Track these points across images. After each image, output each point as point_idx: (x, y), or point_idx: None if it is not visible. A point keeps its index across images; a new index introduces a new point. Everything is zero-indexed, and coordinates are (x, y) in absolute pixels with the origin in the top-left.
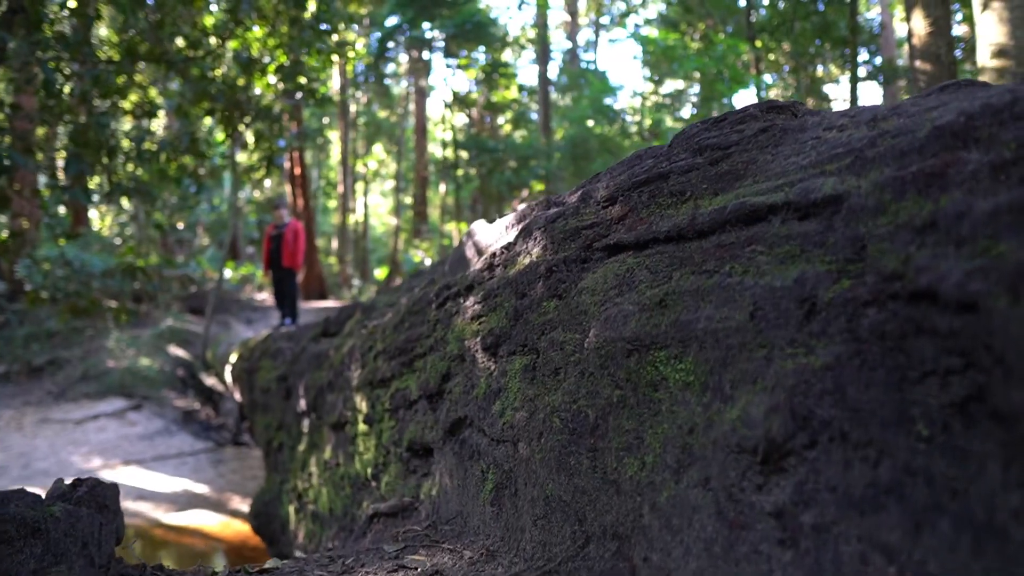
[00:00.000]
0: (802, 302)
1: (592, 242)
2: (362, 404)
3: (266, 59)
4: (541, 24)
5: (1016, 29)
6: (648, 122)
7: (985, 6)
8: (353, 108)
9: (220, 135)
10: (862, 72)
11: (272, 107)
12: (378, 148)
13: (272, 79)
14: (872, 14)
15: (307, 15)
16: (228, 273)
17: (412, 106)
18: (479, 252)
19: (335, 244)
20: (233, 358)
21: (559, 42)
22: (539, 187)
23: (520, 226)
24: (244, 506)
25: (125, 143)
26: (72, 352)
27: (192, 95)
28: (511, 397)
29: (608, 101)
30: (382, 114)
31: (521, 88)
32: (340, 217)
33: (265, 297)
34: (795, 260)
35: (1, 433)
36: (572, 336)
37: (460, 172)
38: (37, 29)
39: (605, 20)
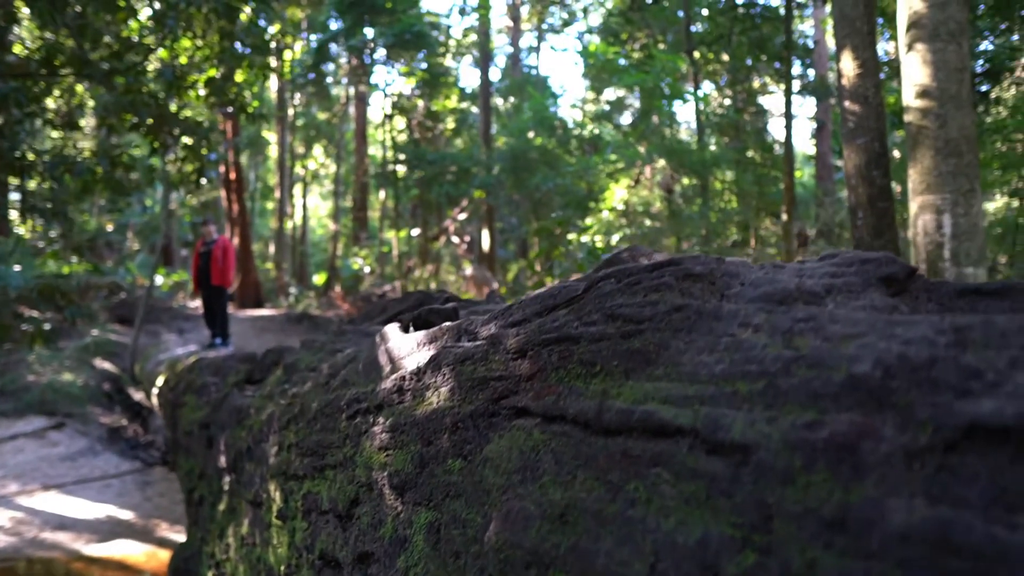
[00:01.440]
0: (704, 569)
1: (500, 397)
2: (276, 494)
3: (195, 72)
4: (482, 33)
5: (938, 71)
6: (588, 133)
7: (909, 48)
8: (291, 111)
9: (145, 148)
10: (796, 85)
11: (201, 121)
12: (318, 150)
13: (202, 92)
14: (807, 27)
15: (239, 26)
16: (159, 280)
17: (352, 109)
18: (391, 361)
19: (272, 249)
20: (160, 381)
21: (502, 46)
22: (479, 195)
23: (431, 350)
24: (172, 534)
25: (31, 156)
26: None
27: (116, 107)
28: (415, 557)
29: (550, 110)
30: (321, 116)
31: (463, 92)
32: (277, 221)
33: (199, 304)
34: (701, 508)
35: None
36: (474, 517)
37: (400, 180)
38: None
39: (548, 24)
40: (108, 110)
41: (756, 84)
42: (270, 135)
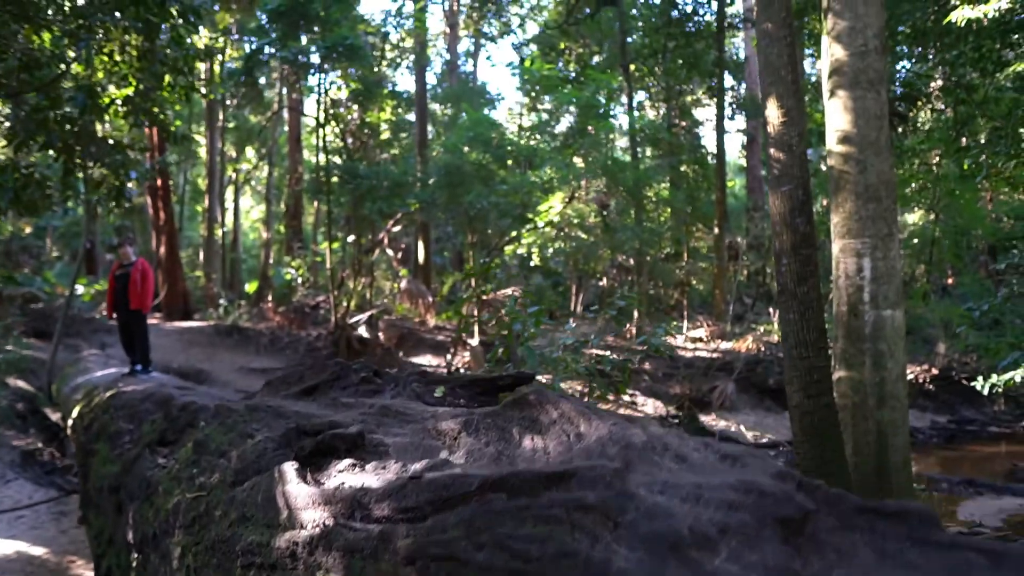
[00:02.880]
0: None
1: None
2: None
3: (112, 87)
4: (418, 43)
5: (858, 118)
6: (523, 145)
7: (831, 94)
8: (221, 115)
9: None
10: (728, 99)
11: (121, 140)
12: (250, 152)
13: (120, 109)
14: (739, 42)
15: (160, 43)
16: (80, 289)
17: (286, 113)
18: (288, 508)
19: (202, 256)
20: (75, 412)
21: (439, 49)
22: (414, 206)
23: (326, 514)
24: (87, 572)
25: None
26: None
27: (25, 126)
28: None
29: (486, 124)
30: (254, 119)
31: (398, 98)
32: (207, 228)
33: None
34: None
35: None
36: None
37: (332, 193)
38: None
39: (485, 32)
40: (16, 129)
41: (689, 98)
42: (199, 138)
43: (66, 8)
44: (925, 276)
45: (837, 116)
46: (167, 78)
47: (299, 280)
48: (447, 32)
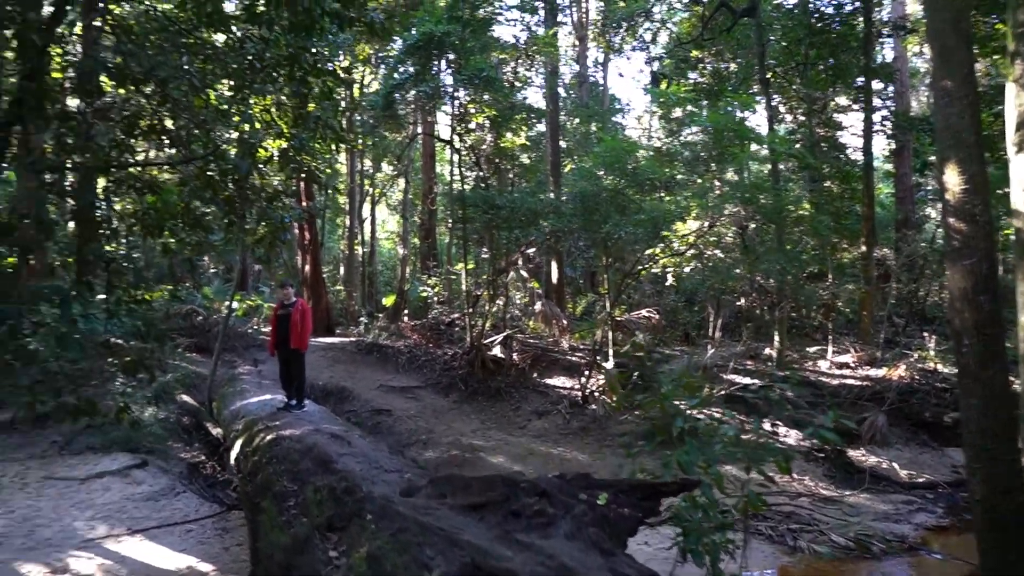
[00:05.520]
0: None
1: None
2: None
3: (268, 140)
4: (549, 67)
5: None
6: (659, 174)
7: (1019, 148)
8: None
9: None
10: (876, 118)
11: (277, 190)
12: (386, 166)
13: (275, 160)
14: (887, 51)
15: (311, 107)
16: (235, 305)
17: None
18: None
19: (342, 270)
20: (237, 446)
21: (566, 58)
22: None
23: None
24: None
25: (115, 221)
26: (76, 396)
27: (196, 180)
28: None
29: (620, 148)
30: (389, 136)
31: (531, 116)
32: (347, 245)
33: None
34: None
35: (6, 492)
36: None
37: (466, 222)
38: (41, 119)
39: (614, 43)
40: (186, 181)
41: (832, 104)
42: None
43: (230, 70)
44: None
45: None
46: (318, 132)
47: (434, 298)
48: (576, 44)
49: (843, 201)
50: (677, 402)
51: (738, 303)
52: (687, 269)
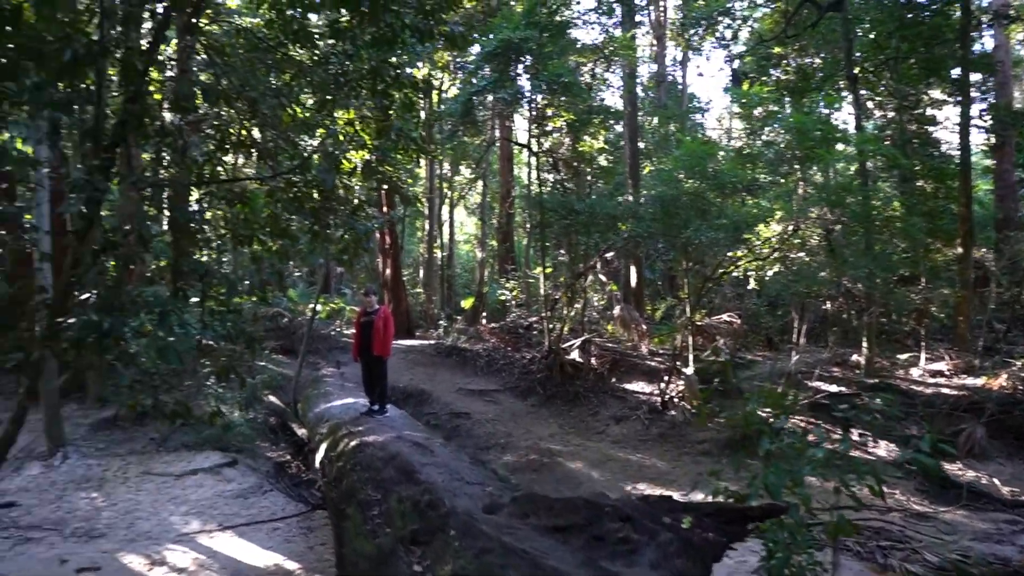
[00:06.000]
0: None
1: None
2: None
3: (351, 152)
4: (627, 70)
5: None
6: (741, 178)
7: None
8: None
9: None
10: (974, 111)
11: (360, 201)
12: (463, 168)
13: (358, 166)
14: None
15: (393, 113)
16: (318, 308)
17: (497, 132)
18: None
19: (421, 273)
20: (322, 450)
21: (644, 57)
22: (623, 226)
23: None
24: None
25: (207, 229)
26: (172, 396)
27: (283, 191)
28: None
29: (701, 152)
30: (469, 140)
31: (609, 118)
32: (427, 250)
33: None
34: None
35: (109, 486)
36: None
37: (545, 228)
38: (143, 136)
39: (692, 41)
40: (273, 193)
41: (924, 97)
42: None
43: (315, 85)
44: None
45: None
46: (399, 143)
47: (512, 301)
48: (654, 44)
49: (937, 200)
50: (763, 413)
51: (824, 307)
52: (770, 273)
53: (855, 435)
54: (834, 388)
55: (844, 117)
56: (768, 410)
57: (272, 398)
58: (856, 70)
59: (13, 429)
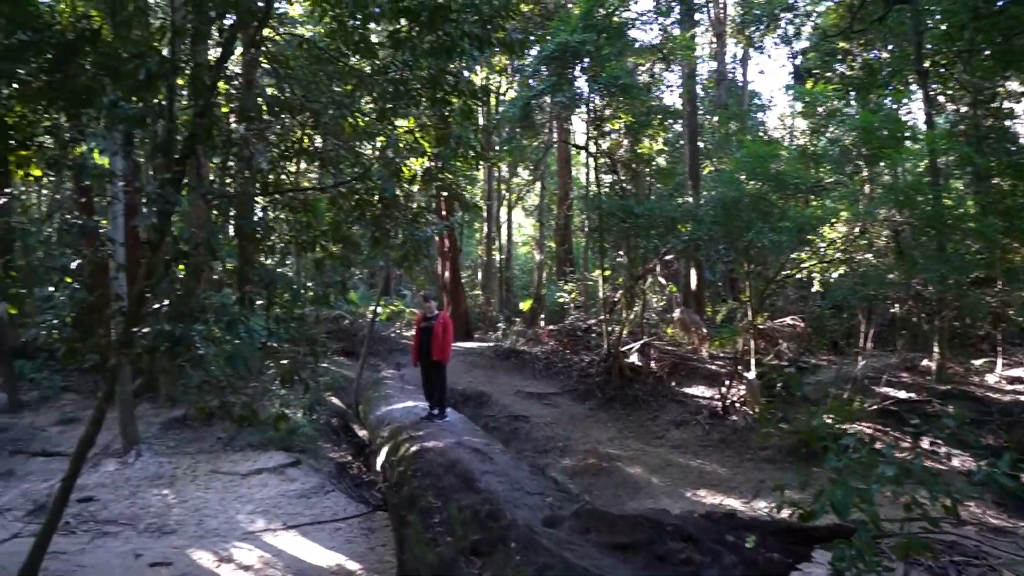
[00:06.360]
0: None
1: None
2: None
3: (411, 157)
4: (687, 71)
5: None
6: (806, 179)
7: None
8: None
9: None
10: None
11: (420, 207)
12: (521, 170)
13: (418, 173)
14: None
15: (453, 124)
16: (379, 310)
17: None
18: None
19: (480, 275)
20: (383, 454)
21: (702, 55)
22: (683, 229)
23: None
24: None
25: (273, 237)
26: (238, 397)
27: (345, 199)
28: None
29: (764, 155)
30: (526, 142)
31: (666, 117)
32: (485, 252)
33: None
34: None
35: (180, 484)
36: None
37: (604, 232)
38: (211, 147)
39: (753, 38)
40: (335, 201)
41: (1002, 92)
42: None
43: (376, 94)
44: None
45: None
46: (459, 150)
47: (571, 303)
48: (713, 42)
49: (1015, 199)
50: (828, 420)
51: (892, 310)
52: (835, 275)
53: (926, 443)
54: (903, 394)
55: (914, 112)
56: (833, 417)
57: (334, 399)
58: (926, 64)
59: (92, 431)
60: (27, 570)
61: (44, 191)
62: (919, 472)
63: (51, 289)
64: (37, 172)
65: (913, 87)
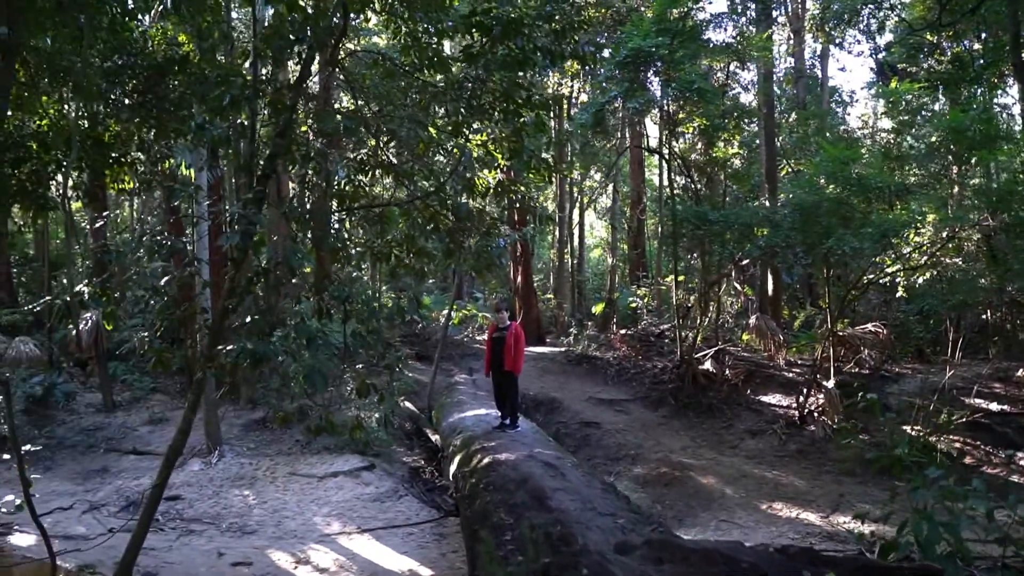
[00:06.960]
0: None
1: None
2: None
3: (483, 169)
4: (765, 76)
5: None
6: (890, 183)
7: None
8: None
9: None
10: None
11: (493, 218)
12: (594, 172)
13: (491, 185)
14: None
15: (524, 130)
16: (451, 315)
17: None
18: None
19: (551, 280)
20: (455, 463)
21: (780, 51)
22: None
23: None
24: None
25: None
26: (315, 401)
27: (419, 212)
28: None
29: (844, 158)
30: (599, 144)
31: (742, 117)
32: (557, 256)
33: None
34: None
35: (260, 485)
36: None
37: (679, 238)
38: (291, 162)
39: (833, 33)
40: (409, 213)
41: None
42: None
43: (449, 108)
44: None
45: None
46: (531, 163)
47: (644, 308)
48: (791, 38)
49: None
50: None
51: (983, 317)
52: (920, 280)
53: (1022, 458)
54: (995, 406)
55: (1010, 109)
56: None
57: (407, 403)
58: None
59: (181, 439)
60: (122, 567)
61: (136, 205)
62: (1014, 503)
63: (141, 294)
64: (130, 184)
65: (1009, 81)
